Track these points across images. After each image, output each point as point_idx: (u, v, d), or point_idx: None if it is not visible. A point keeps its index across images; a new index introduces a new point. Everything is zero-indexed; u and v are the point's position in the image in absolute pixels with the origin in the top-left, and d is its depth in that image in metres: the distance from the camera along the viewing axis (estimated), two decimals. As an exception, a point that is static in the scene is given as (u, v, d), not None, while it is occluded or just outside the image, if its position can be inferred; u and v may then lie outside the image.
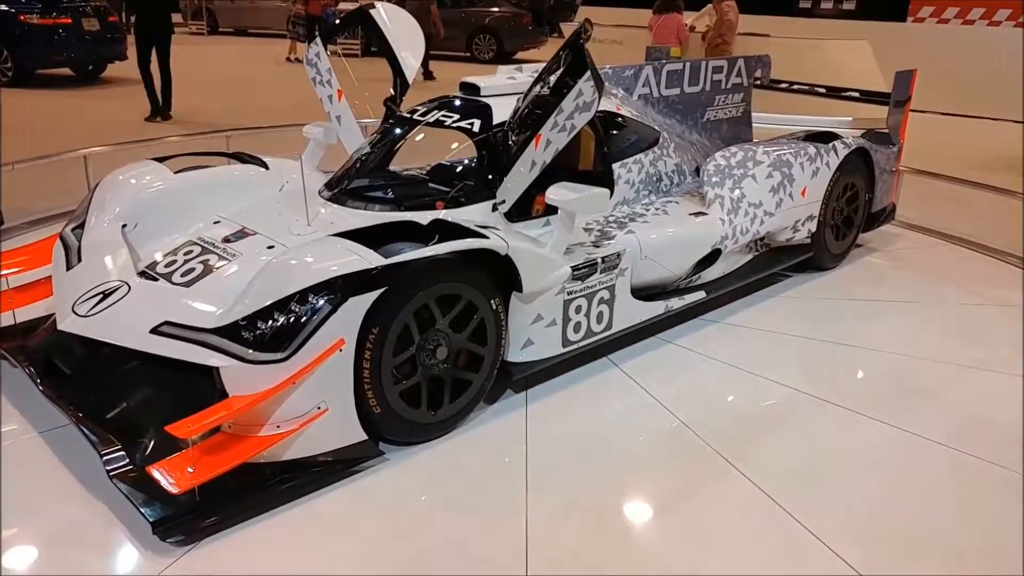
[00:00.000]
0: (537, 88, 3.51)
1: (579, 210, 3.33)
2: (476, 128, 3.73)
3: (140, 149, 5.99)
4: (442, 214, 3.43)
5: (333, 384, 2.67)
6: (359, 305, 2.66)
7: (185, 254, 3.30)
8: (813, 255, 4.84)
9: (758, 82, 5.76)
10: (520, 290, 3.18)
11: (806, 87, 5.86)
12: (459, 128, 3.76)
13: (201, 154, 4.18)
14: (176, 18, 20.37)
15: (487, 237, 3.01)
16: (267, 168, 3.98)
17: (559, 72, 3.37)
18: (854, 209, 5.06)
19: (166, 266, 3.24)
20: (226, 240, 3.36)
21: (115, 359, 2.96)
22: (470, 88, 4.00)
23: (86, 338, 2.93)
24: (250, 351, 2.61)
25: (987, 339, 4.19)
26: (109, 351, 2.93)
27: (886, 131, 5.38)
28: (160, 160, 3.86)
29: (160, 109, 9.27)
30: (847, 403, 3.43)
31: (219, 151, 4.23)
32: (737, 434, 3.20)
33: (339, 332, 2.63)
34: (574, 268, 3.36)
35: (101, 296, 3.01)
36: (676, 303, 3.95)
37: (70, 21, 11.24)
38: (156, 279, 3.15)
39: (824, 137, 4.87)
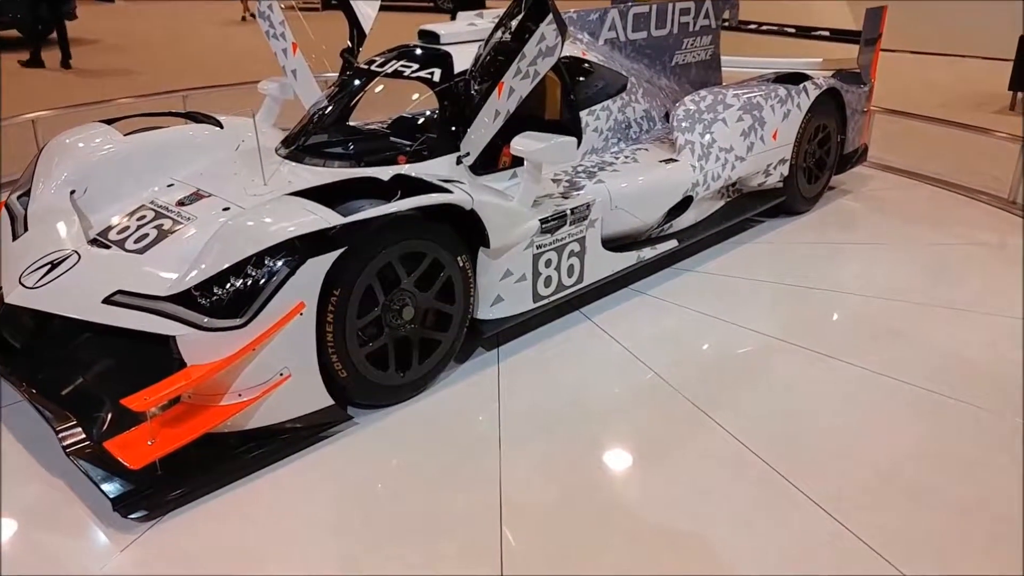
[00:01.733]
0: (498, 34, 3.37)
1: (546, 160, 3.23)
2: (436, 78, 3.59)
3: (92, 112, 5.76)
4: (404, 169, 3.32)
5: (294, 349, 2.59)
6: (318, 266, 2.56)
7: (138, 219, 3.17)
8: (786, 199, 4.78)
9: (726, 23, 5.64)
10: (488, 245, 3.09)
11: (775, 27, 5.74)
12: (419, 78, 3.63)
13: (153, 115, 4.01)
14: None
15: (450, 192, 2.91)
16: (221, 127, 3.83)
17: (520, 17, 3.24)
18: (826, 151, 4.99)
19: (118, 232, 3.11)
20: (180, 203, 3.23)
21: (67, 331, 2.85)
22: (430, 36, 3.85)
23: (36, 311, 2.81)
24: (206, 318, 2.51)
25: (960, 279, 4.18)
26: (60, 323, 2.81)
27: (857, 71, 5.30)
28: (109, 122, 3.70)
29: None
30: (820, 348, 3.40)
31: (171, 112, 4.05)
32: (712, 383, 3.17)
33: (298, 295, 2.54)
34: (543, 221, 3.27)
35: (50, 266, 2.88)
36: (648, 253, 3.88)
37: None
38: (108, 246, 3.02)
39: (794, 78, 4.78)
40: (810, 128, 4.74)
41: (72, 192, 3.33)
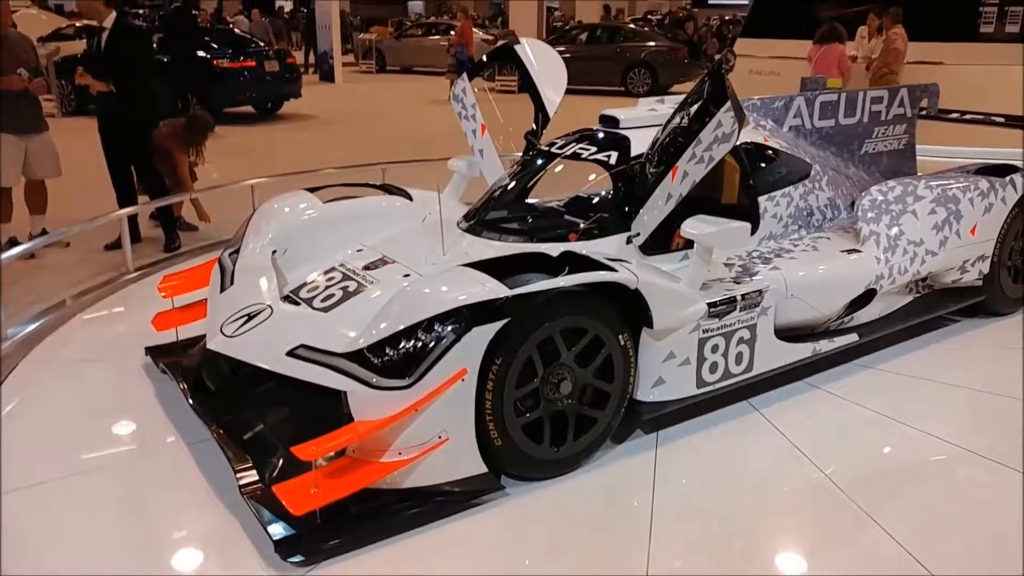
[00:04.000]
0: (677, 119, 3.41)
1: (716, 244, 3.19)
2: (613, 160, 3.67)
3: (301, 179, 6.34)
4: (574, 246, 3.39)
5: (454, 414, 2.67)
6: (482, 335, 2.65)
7: (327, 280, 3.43)
8: (985, 299, 4.41)
9: (923, 112, 5.39)
10: (651, 326, 3.08)
11: (980, 116, 5.39)
12: (595, 160, 3.72)
13: (351, 185, 4.36)
14: (347, 58, 21.64)
15: (615, 270, 2.94)
16: (411, 199, 4.10)
17: (699, 102, 3.27)
18: (1036, 249, 4.58)
19: (309, 291, 3.38)
20: (366, 268, 3.47)
21: (255, 379, 3.10)
22: (610, 120, 3.96)
23: (230, 357, 3.10)
24: (376, 376, 2.66)
25: None
26: (250, 371, 3.07)
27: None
28: (312, 190, 4.06)
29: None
30: (1007, 460, 3.07)
31: (368, 183, 4.39)
32: (881, 487, 2.93)
33: (462, 361, 2.64)
34: (711, 305, 3.21)
35: (247, 318, 3.18)
36: (825, 345, 3.70)
37: (254, 63, 12.20)
38: (298, 303, 3.29)
39: (999, 170, 4.45)
40: (1017, 224, 4.38)
41: (274, 252, 3.66)
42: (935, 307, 4.25)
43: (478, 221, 3.71)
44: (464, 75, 4.51)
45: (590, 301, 2.93)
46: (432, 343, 2.64)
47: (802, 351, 3.61)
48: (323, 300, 3.27)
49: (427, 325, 2.68)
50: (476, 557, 2.59)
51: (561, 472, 3.01)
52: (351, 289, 3.30)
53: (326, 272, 3.51)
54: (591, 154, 3.76)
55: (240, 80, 12.09)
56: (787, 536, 2.74)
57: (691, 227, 3.20)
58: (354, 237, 3.77)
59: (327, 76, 18.76)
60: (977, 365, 3.98)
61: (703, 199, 4.25)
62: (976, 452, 3.17)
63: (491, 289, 2.70)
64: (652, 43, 16.44)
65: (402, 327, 2.71)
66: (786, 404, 3.57)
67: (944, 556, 2.56)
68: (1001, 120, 5.40)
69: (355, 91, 17.93)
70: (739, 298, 3.29)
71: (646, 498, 2.89)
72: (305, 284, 3.44)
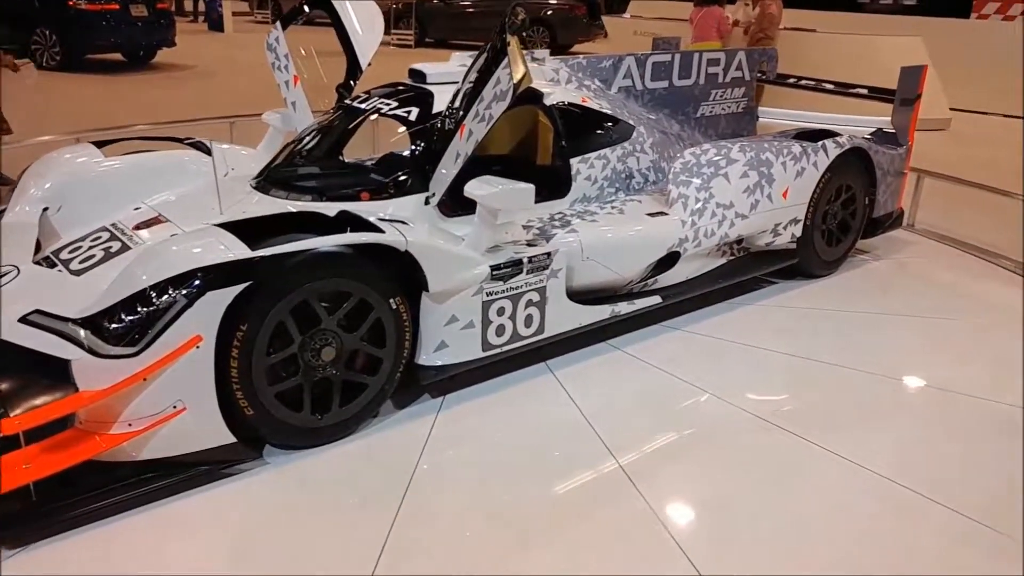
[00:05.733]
0: (470, 76, 3.30)
1: (497, 205, 3.10)
2: (413, 116, 3.54)
3: (112, 135, 5.97)
4: (367, 206, 3.27)
5: (190, 382, 2.52)
6: (219, 300, 2.50)
7: (92, 240, 3.21)
8: (799, 261, 4.48)
9: (763, 76, 5.42)
10: (427, 289, 2.98)
11: (813, 82, 5.45)
12: (395, 116, 3.58)
13: (150, 139, 4.11)
14: (240, 6, 20.38)
15: (383, 231, 2.82)
16: (210, 154, 3.88)
17: (484, 59, 3.16)
18: (851, 213, 4.67)
19: (71, 251, 3.16)
20: (137, 227, 3.26)
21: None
22: (418, 75, 3.82)
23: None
24: (105, 344, 2.49)
25: (967, 357, 3.79)
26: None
27: (893, 131, 4.97)
28: (100, 144, 3.80)
29: None
30: (789, 425, 3.12)
31: (171, 137, 4.13)
32: (655, 455, 2.93)
33: (196, 328, 2.48)
34: (494, 268, 3.13)
35: (-10, 281, 2.94)
36: (625, 308, 3.68)
37: (117, 7, 11.49)
38: (56, 265, 3.07)
39: (816, 135, 4.50)
40: (830, 188, 4.44)
41: (46, 209, 3.41)
42: (748, 269, 4.30)
43: (267, 178, 3.53)
44: (277, 24, 4.28)
45: (353, 263, 2.80)
46: (163, 308, 2.48)
47: (599, 313, 3.58)
48: (82, 262, 3.06)
49: (160, 289, 2.51)
50: (209, 529, 2.48)
51: (330, 440, 2.91)
52: (113, 250, 3.10)
53: (95, 231, 3.29)
54: (391, 109, 3.62)
55: (102, 24, 11.36)
56: (542, 497, 2.69)
57: (473, 188, 3.11)
58: (138, 194, 3.55)
59: (216, 25, 17.94)
60: (778, 326, 4.04)
61: (518, 159, 4.20)
62: (754, 413, 3.20)
63: (231, 250, 2.54)
64: (554, 0, 16.22)
65: (135, 291, 2.53)
66: (582, 366, 3.55)
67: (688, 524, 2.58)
68: (830, 87, 5.43)
69: (245, 42, 17.15)
70: (526, 260, 3.22)
71: (410, 464, 2.81)
72: (69, 244, 3.22)
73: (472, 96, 3.14)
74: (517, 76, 2.90)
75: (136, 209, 3.44)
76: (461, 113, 3.25)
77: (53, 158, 3.64)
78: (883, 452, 2.99)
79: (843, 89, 5.36)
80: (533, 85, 3.91)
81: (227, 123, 6.63)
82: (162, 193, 3.59)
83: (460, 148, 3.17)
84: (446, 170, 3.26)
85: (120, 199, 3.50)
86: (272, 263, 2.58)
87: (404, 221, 3.05)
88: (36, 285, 2.90)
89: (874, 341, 3.92)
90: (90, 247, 3.15)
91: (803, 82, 5.43)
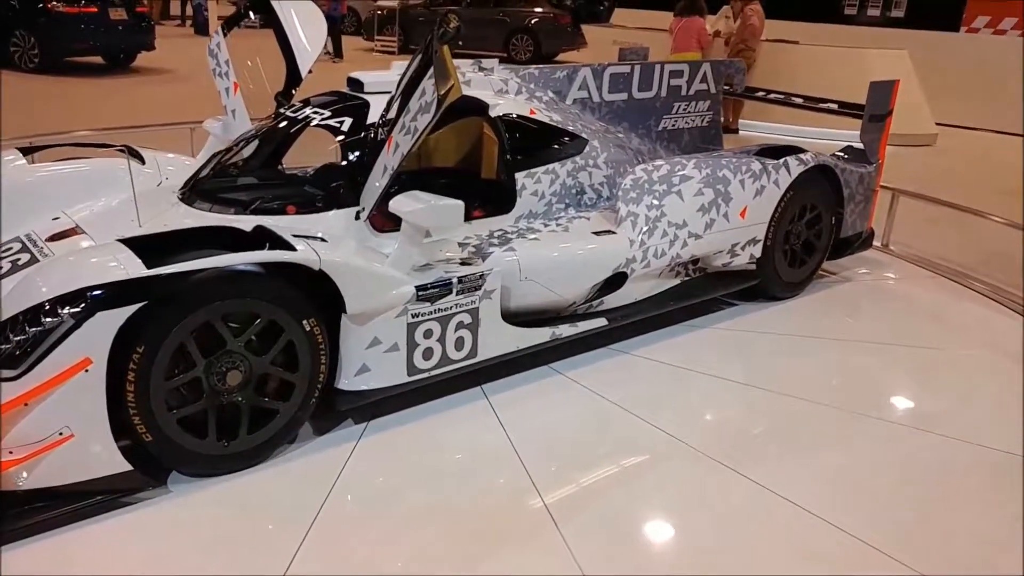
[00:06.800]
0: (400, 87, 3.17)
1: (422, 222, 2.97)
2: (345, 127, 3.41)
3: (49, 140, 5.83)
4: (291, 220, 3.13)
5: (78, 407, 2.37)
6: (110, 321, 2.35)
7: (3, 251, 3.06)
8: (760, 282, 4.34)
9: (730, 88, 5.30)
10: (345, 310, 2.84)
11: (782, 96, 5.33)
12: (326, 126, 3.45)
13: (85, 145, 3.97)
14: (227, 10, 20.36)
15: (295, 249, 2.68)
16: (144, 163, 3.74)
17: (413, 69, 3.03)
18: (816, 233, 4.53)
19: (-21, 263, 3.01)
20: (50, 239, 3.11)
21: None
22: (356, 84, 3.68)
23: None
24: (-13, 367, 2.34)
25: (935, 390, 3.66)
26: None
27: (863, 148, 4.84)
28: (28, 151, 3.66)
29: None
30: (719, 456, 2.98)
31: (106, 143, 3.98)
32: (578, 491, 2.78)
33: (84, 350, 2.33)
34: (420, 288, 2.99)
35: None
36: (567, 330, 3.54)
37: (96, 10, 11.35)
38: (-40, 278, 2.92)
39: (778, 151, 4.37)
40: (792, 207, 4.31)
41: (-36, 218, 3.26)
42: (704, 291, 4.16)
43: (192, 189, 3.38)
44: (219, 29, 4.15)
45: (262, 283, 2.65)
46: (50, 328, 2.33)
47: (539, 336, 3.43)
48: (-12, 274, 2.91)
49: (49, 308, 2.36)
50: (94, 563, 2.32)
51: (240, 467, 2.76)
52: (21, 263, 2.95)
53: (8, 242, 3.14)
54: (323, 119, 3.48)
55: (80, 27, 11.23)
56: (460, 536, 2.54)
57: (399, 204, 2.98)
58: (61, 204, 3.40)
59: (202, 30, 17.74)
60: (727, 350, 3.92)
61: (460, 172, 4.07)
62: (685, 442, 3.06)
63: (124, 268, 2.40)
64: (538, 9, 16.12)
65: (22, 309, 2.39)
66: (519, 391, 3.40)
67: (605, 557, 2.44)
68: (799, 101, 5.30)
69: (229, 46, 16.98)
70: (455, 281, 3.08)
71: (319, 496, 2.66)
72: (-21, 255, 3.07)
73: (400, 107, 3.02)
74: (443, 88, 2.76)
75: (55, 219, 3.30)
76: (388, 125, 3.12)
77: (-26, 166, 3.50)
78: (815, 486, 2.85)
79: (812, 104, 5.22)
80: (479, 96, 3.84)
81: (188, 128, 6.48)
82: (87, 203, 3.45)
83: (387, 161, 3.04)
84: (375, 184, 3.12)
85: (42, 208, 3.36)
86: (169, 282, 2.43)
87: (323, 238, 2.91)
88: (-69, 300, 2.75)
89: (830, 369, 3.78)
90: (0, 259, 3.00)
91: (771, 95, 5.29)
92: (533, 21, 15.99)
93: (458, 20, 2.99)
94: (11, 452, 2.34)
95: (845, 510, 2.70)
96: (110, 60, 12.44)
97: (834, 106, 5.05)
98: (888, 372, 3.82)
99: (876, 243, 5.38)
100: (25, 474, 2.37)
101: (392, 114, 3.20)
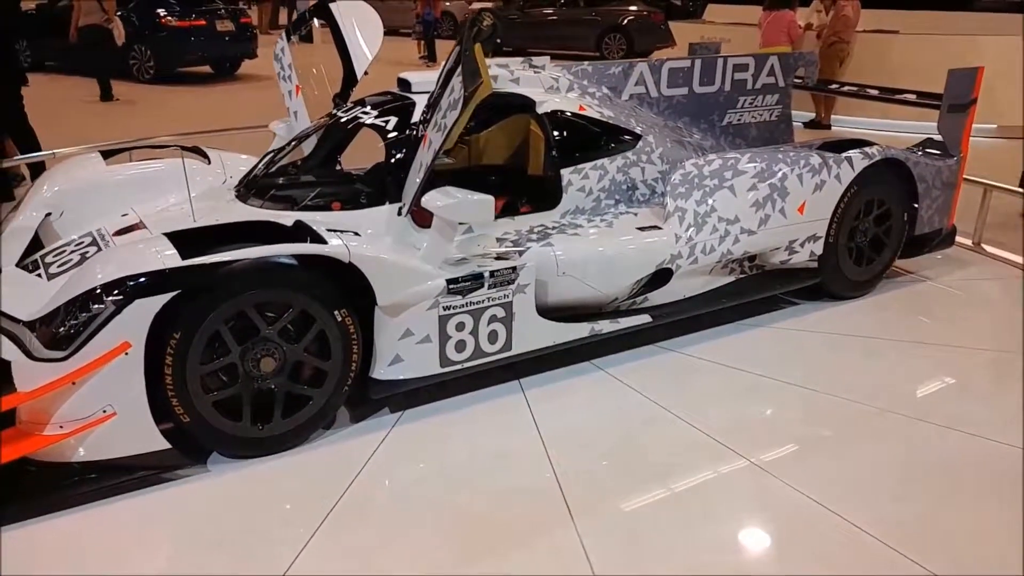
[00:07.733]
0: (438, 85, 3.25)
1: (454, 217, 3.03)
2: (390, 127, 3.51)
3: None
4: (338, 216, 3.26)
5: (119, 388, 2.55)
6: (147, 308, 2.52)
7: (76, 245, 3.31)
8: (822, 281, 4.20)
9: (801, 81, 5.13)
10: (376, 302, 2.93)
11: (855, 87, 5.11)
12: (373, 126, 3.56)
13: (158, 147, 4.24)
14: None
15: (326, 242, 2.79)
16: (209, 162, 3.96)
17: (447, 67, 3.10)
18: (885, 230, 4.34)
19: (54, 256, 3.27)
20: (117, 233, 3.35)
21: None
22: (404, 84, 3.78)
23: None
24: (41, 347, 2.55)
25: (973, 394, 3.46)
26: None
27: (942, 140, 4.60)
28: (108, 153, 3.93)
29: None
30: (758, 457, 2.90)
31: (180, 145, 4.24)
32: (594, 486, 2.77)
33: (123, 335, 2.51)
34: (451, 281, 3.06)
35: (-30, 283, 3.07)
36: (607, 326, 3.52)
37: (204, 23, 12.04)
38: (38, 268, 3.18)
39: (841, 146, 4.21)
40: (857, 203, 4.14)
41: (49, 215, 3.55)
42: (760, 289, 4.05)
43: (246, 186, 3.56)
44: (283, 34, 4.35)
45: (293, 274, 2.78)
46: (95, 314, 2.52)
47: (577, 331, 3.43)
48: (60, 266, 3.15)
49: (96, 295, 2.56)
50: (129, 535, 2.49)
51: (276, 450, 2.89)
52: (90, 255, 3.18)
53: (80, 236, 3.40)
54: (371, 119, 3.60)
55: (191, 39, 11.94)
56: (479, 540, 2.54)
57: (431, 199, 3.04)
58: (132, 201, 3.64)
59: (305, 37, 18.44)
60: (785, 351, 3.79)
61: (504, 168, 4.12)
62: (725, 444, 3.00)
63: (161, 258, 2.56)
64: (632, 7, 15.98)
65: (73, 296, 2.59)
66: (557, 386, 3.41)
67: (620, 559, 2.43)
68: (875, 93, 5.07)
69: (331, 52, 17.62)
70: (486, 275, 3.13)
71: (341, 485, 2.74)
72: (55, 248, 3.33)
73: (434, 105, 3.09)
74: (471, 85, 2.82)
75: (123, 216, 3.54)
76: (425, 123, 3.21)
77: (61, 166, 3.80)
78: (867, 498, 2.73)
79: (888, 95, 4.98)
80: (528, 93, 3.87)
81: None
82: (156, 201, 3.68)
83: (423, 158, 3.11)
84: (414, 179, 3.21)
85: (115, 206, 3.60)
86: (202, 272, 2.59)
87: (356, 232, 3.01)
88: (9, 287, 3.01)
89: (897, 373, 3.61)
90: (71, 252, 3.25)
91: (845, 88, 5.09)
92: (626, 19, 15.86)
93: (492, 18, 3.04)
94: (61, 426, 2.55)
95: (897, 522, 2.59)
96: (216, 68, 13.14)
97: (912, 97, 4.81)
98: (951, 375, 3.61)
99: (965, 241, 5.11)
100: (76, 447, 2.57)
101: (423, 113, 3.28)
